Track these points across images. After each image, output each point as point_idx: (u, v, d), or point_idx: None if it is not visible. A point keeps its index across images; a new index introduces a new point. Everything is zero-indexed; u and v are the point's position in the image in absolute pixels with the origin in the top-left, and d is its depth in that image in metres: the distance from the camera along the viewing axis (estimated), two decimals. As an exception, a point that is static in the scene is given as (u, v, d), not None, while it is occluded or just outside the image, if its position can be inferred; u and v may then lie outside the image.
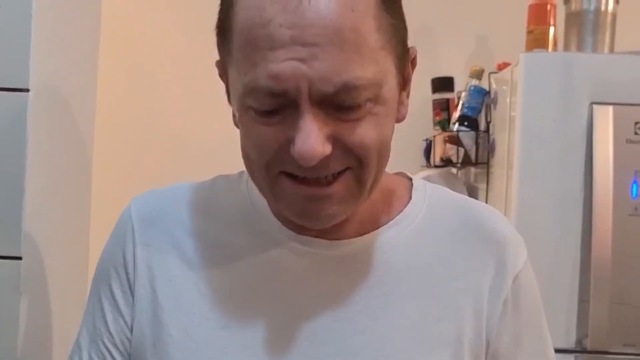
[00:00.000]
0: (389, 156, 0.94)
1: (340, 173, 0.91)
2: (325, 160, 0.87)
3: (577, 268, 2.01)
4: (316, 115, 0.85)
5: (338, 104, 0.86)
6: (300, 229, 1.00)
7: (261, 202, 1.03)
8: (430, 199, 1.06)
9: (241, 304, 1.00)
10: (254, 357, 0.99)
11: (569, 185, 2.03)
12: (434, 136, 2.52)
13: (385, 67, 0.89)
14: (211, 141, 2.56)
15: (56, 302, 1.46)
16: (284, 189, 0.92)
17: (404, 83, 0.96)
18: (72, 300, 1.54)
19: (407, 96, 0.98)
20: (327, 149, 0.86)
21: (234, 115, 0.97)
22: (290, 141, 0.87)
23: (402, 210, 1.05)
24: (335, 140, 0.87)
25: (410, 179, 1.09)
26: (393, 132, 0.95)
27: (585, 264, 2.00)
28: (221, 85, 0.98)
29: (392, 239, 1.03)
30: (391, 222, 1.04)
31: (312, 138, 0.85)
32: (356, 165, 0.90)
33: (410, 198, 1.06)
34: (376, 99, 0.88)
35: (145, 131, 2.65)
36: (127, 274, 1.02)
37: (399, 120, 0.97)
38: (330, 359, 0.98)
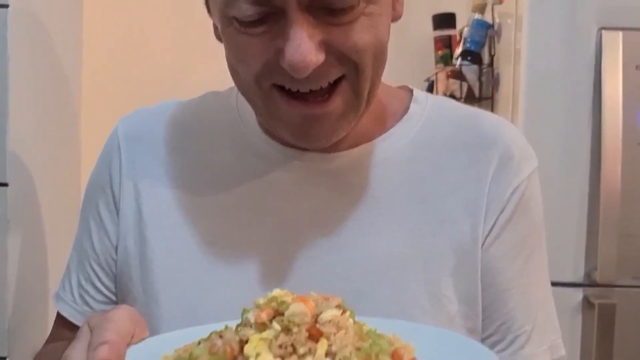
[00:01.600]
0: (385, 61, 0.88)
1: (335, 85, 0.85)
2: (319, 69, 0.81)
3: (585, 200, 1.92)
4: (306, 21, 0.79)
5: (328, 7, 0.80)
6: (289, 143, 0.95)
7: (250, 116, 0.99)
8: (430, 111, 1.00)
9: (228, 221, 0.96)
10: (240, 273, 0.95)
11: (576, 116, 1.93)
12: (436, 73, 2.44)
13: None
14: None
15: (48, 229, 1.40)
16: (279, 107, 0.87)
17: None
18: (64, 226, 1.46)
19: None
20: (320, 57, 0.80)
21: (215, 28, 0.91)
22: (279, 52, 0.81)
23: (398, 122, 0.99)
24: (328, 46, 0.81)
25: (412, 91, 1.03)
26: (389, 33, 0.87)
27: (593, 196, 1.91)
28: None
29: (386, 152, 0.97)
30: (385, 134, 0.98)
31: (303, 47, 0.78)
32: (352, 73, 0.84)
33: (408, 110, 1.00)
34: None
35: (134, 55, 2.60)
36: (112, 192, 1.00)
37: (395, 18, 0.90)
38: (320, 274, 0.94)
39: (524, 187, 0.96)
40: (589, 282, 1.94)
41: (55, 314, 1.07)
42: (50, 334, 1.08)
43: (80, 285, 1.02)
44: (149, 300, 0.97)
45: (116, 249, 0.99)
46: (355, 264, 0.93)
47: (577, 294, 1.93)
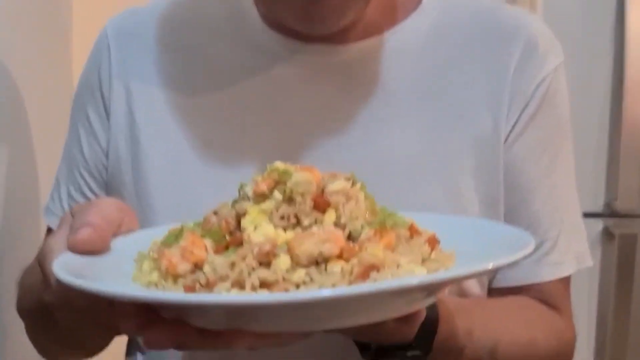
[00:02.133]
0: None
1: None
2: None
3: (605, 127, 1.82)
4: None
5: None
6: (293, 35, 0.88)
7: (250, 7, 0.91)
8: (446, 1, 0.92)
9: (226, 121, 0.89)
10: (239, 176, 0.85)
11: (598, 33, 1.81)
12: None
13: None
14: None
15: (37, 140, 1.31)
16: None
17: None
18: (54, 137, 1.37)
19: None
20: None
21: None
22: None
23: (410, 14, 0.91)
24: None
25: None
26: None
27: (615, 122, 1.80)
28: None
29: (399, 44, 0.90)
30: (397, 26, 0.90)
31: None
32: None
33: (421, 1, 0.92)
34: None
35: None
36: (102, 94, 0.93)
37: None
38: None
39: (549, 81, 0.89)
40: (609, 213, 1.86)
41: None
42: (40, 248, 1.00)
43: (70, 196, 0.95)
44: (143, 205, 0.90)
45: (107, 154, 0.93)
46: (366, 164, 0.85)
47: (597, 225, 1.86)
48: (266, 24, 0.90)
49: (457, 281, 0.51)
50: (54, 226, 0.95)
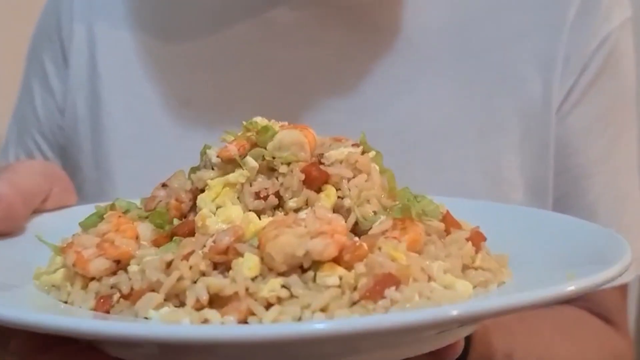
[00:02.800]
0: None
1: None
2: None
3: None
4: None
5: None
6: None
7: None
8: None
9: (210, 75, 0.74)
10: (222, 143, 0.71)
11: None
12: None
13: None
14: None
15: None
16: None
17: None
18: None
19: None
20: None
21: None
22: None
23: None
24: None
25: None
26: None
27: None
28: None
29: None
30: None
31: None
32: None
33: None
34: None
35: None
36: (61, 40, 0.79)
37: None
38: None
39: (613, 40, 0.73)
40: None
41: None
42: None
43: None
44: (101, 176, 0.75)
45: (63, 112, 0.79)
46: (382, 133, 0.70)
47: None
48: None
49: (517, 311, 0.32)
50: None
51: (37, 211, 0.52)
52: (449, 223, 0.42)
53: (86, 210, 0.51)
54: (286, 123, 0.45)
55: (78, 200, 0.69)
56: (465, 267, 0.40)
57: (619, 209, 0.75)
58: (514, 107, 0.72)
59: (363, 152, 0.44)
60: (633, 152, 0.77)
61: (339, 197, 0.41)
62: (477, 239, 0.43)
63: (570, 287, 0.32)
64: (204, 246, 0.36)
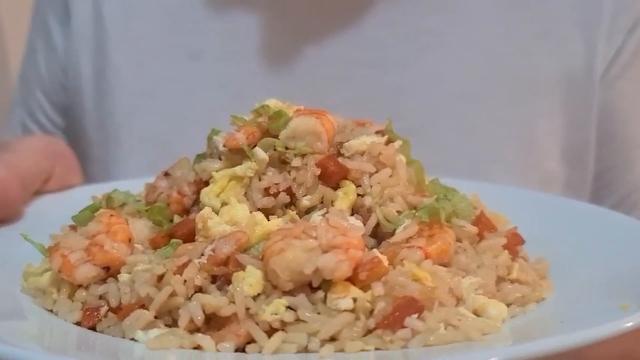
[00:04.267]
0: None
1: None
2: None
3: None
4: None
5: None
6: None
7: None
8: None
9: (217, 22, 0.69)
10: (233, 94, 0.67)
11: None
12: None
13: None
14: None
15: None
16: None
17: None
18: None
19: None
20: None
21: None
22: None
23: None
24: None
25: None
26: None
27: None
28: None
29: None
30: None
31: None
32: None
33: None
34: None
35: None
36: None
37: None
38: (356, 104, 0.65)
39: None
40: None
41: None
42: None
43: (23, 125, 0.78)
44: (106, 138, 0.71)
45: (66, 71, 0.74)
46: (405, 89, 0.66)
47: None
48: None
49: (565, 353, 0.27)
50: None
51: (38, 192, 0.48)
52: (484, 225, 0.37)
53: (90, 192, 0.47)
54: (301, 107, 0.39)
55: (85, 165, 0.65)
56: (500, 279, 0.34)
57: None
58: (553, 68, 0.66)
59: (388, 142, 0.39)
60: None
61: (359, 194, 0.36)
62: (514, 242, 0.38)
63: (628, 324, 0.27)
64: (202, 255, 0.31)
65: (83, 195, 0.47)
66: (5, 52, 1.06)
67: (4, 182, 0.44)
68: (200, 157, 0.40)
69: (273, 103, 0.40)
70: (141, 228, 0.36)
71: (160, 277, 0.31)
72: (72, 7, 0.73)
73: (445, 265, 0.33)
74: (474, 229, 0.36)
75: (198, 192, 0.38)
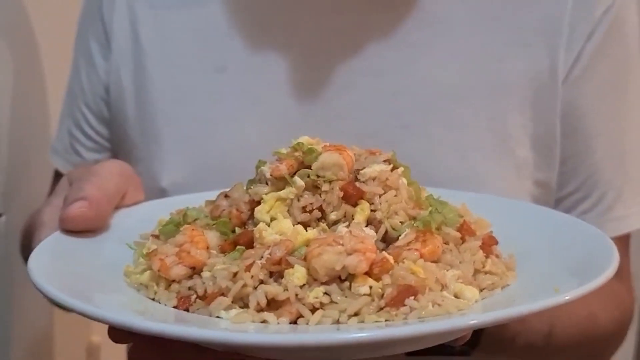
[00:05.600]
0: None
1: None
2: None
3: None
4: None
5: None
6: None
7: None
8: None
9: (242, 43, 0.78)
10: (255, 106, 0.77)
11: None
12: None
13: None
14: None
15: (49, 72, 1.20)
16: None
17: None
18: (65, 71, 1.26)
19: None
20: None
21: None
22: None
23: None
24: None
25: None
26: None
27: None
28: None
29: None
30: None
31: None
32: None
33: None
34: None
35: None
36: (103, 20, 0.84)
37: None
38: (356, 105, 0.76)
39: (617, 7, 0.75)
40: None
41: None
42: (47, 194, 0.92)
43: (70, 133, 0.87)
44: (149, 140, 0.80)
45: (107, 88, 0.84)
46: (401, 93, 0.75)
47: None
48: None
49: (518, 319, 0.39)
50: (59, 166, 0.89)
51: (116, 207, 0.58)
52: (465, 231, 0.49)
53: (155, 206, 0.60)
54: (327, 144, 0.52)
55: (130, 164, 0.75)
56: (476, 272, 0.47)
57: (625, 165, 0.78)
58: (521, 71, 0.75)
59: (393, 169, 0.51)
60: (634, 108, 0.79)
61: (372, 210, 0.48)
62: (489, 243, 0.50)
63: (563, 298, 0.39)
64: (262, 257, 0.44)
65: (150, 208, 0.59)
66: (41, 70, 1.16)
67: (97, 201, 0.54)
68: (251, 182, 0.52)
69: (305, 140, 0.52)
70: (212, 237, 0.48)
71: (235, 274, 0.43)
72: (112, 32, 0.82)
73: (434, 262, 0.45)
74: (457, 234, 0.49)
75: (252, 210, 0.50)
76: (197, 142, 0.78)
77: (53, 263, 0.48)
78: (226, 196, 0.52)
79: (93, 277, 0.48)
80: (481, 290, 0.45)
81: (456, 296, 0.43)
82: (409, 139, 0.73)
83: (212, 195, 0.54)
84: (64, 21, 1.12)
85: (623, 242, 0.79)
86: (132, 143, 0.81)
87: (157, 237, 0.51)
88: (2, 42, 1.01)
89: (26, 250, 0.85)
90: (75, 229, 0.53)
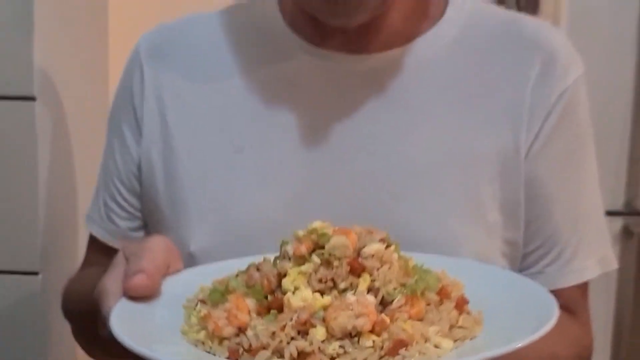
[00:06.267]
0: None
1: None
2: None
3: (627, 123, 1.80)
4: None
5: None
6: (319, 42, 0.90)
7: (277, 16, 0.93)
8: (469, 14, 0.92)
9: (256, 124, 0.90)
10: (268, 179, 0.89)
11: (622, 30, 1.78)
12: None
13: None
14: None
15: (76, 146, 1.34)
16: None
17: None
18: (91, 143, 1.39)
19: None
20: None
21: None
22: None
23: (435, 24, 0.91)
24: None
25: None
26: None
27: (637, 118, 1.79)
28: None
29: (423, 54, 0.90)
30: (420, 37, 0.90)
31: None
32: None
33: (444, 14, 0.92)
34: None
35: None
36: (134, 108, 0.95)
37: None
38: (354, 179, 0.87)
39: (570, 93, 0.88)
40: (629, 211, 1.85)
41: (85, 234, 1.03)
42: (84, 257, 1.04)
43: (105, 204, 0.99)
44: (177, 212, 0.91)
45: (139, 166, 0.95)
46: (391, 167, 0.87)
47: (617, 223, 1.84)
48: (292, 30, 0.91)
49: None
50: (95, 232, 1.00)
51: (163, 277, 0.69)
52: (443, 294, 0.64)
53: (194, 274, 0.72)
54: (336, 228, 0.67)
55: (162, 232, 0.86)
56: (451, 326, 0.61)
57: (580, 225, 0.89)
58: (490, 148, 0.86)
59: (387, 246, 0.67)
60: (593, 175, 0.92)
61: (372, 280, 0.63)
62: (460, 304, 0.65)
63: (515, 345, 0.55)
64: (292, 319, 0.59)
65: (190, 277, 0.72)
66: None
67: (153, 273, 0.66)
68: (277, 258, 0.67)
69: (319, 225, 0.67)
70: (250, 303, 0.64)
71: (272, 332, 0.58)
72: (143, 120, 0.93)
73: (420, 320, 0.60)
74: (437, 297, 0.64)
75: (279, 280, 0.65)
76: (219, 214, 0.89)
77: (125, 322, 0.62)
78: (257, 269, 0.67)
79: (155, 333, 0.63)
80: (455, 341, 0.60)
81: (436, 346, 0.58)
82: (397, 207, 0.85)
83: (240, 263, 0.69)
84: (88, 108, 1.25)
85: (582, 289, 0.91)
86: (161, 213, 0.93)
87: (204, 302, 0.66)
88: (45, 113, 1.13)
89: (70, 307, 0.97)
90: (136, 296, 0.66)
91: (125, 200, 0.97)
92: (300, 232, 0.67)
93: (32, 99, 1.15)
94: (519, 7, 1.92)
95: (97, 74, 1.60)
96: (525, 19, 0.92)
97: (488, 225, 0.87)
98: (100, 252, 0.99)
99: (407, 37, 0.90)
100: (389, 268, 0.64)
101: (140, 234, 0.99)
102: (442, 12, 0.92)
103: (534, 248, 0.90)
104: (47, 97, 1.21)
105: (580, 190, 0.91)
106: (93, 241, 1.02)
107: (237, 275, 0.68)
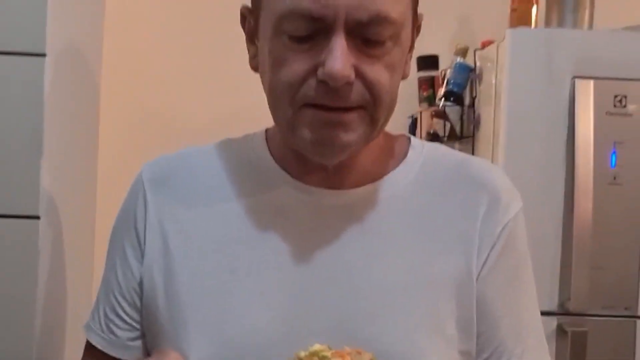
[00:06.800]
0: (394, 105, 0.96)
1: (355, 110, 0.92)
2: (347, 88, 0.89)
3: (559, 235, 2.00)
4: (345, 42, 0.88)
5: (364, 37, 0.89)
6: (302, 177, 1.02)
7: (265, 152, 1.05)
8: (426, 156, 1.07)
9: (247, 248, 1.00)
10: (260, 300, 0.98)
11: (552, 157, 2.01)
12: (420, 112, 2.50)
13: (407, 13, 0.93)
14: (213, 119, 2.53)
15: (69, 261, 1.43)
16: (305, 118, 0.92)
17: (410, 44, 0.98)
18: (82, 259, 1.49)
19: (410, 58, 1.00)
20: (352, 74, 0.89)
21: (251, 57, 0.99)
22: (318, 66, 0.89)
23: (398, 165, 1.06)
24: (357, 72, 0.89)
25: (409, 138, 1.10)
26: (398, 87, 0.95)
27: (567, 231, 1.98)
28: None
29: (392, 189, 1.03)
30: (389, 175, 1.04)
31: (342, 58, 0.87)
32: (370, 104, 0.92)
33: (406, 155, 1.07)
34: (396, 39, 0.91)
35: (151, 103, 2.56)
36: (137, 231, 1.03)
37: (404, 76, 0.99)
38: (336, 300, 0.98)
39: (512, 225, 1.03)
40: (562, 311, 2.01)
41: (72, 336, 1.14)
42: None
43: (106, 316, 1.06)
44: (177, 326, 0.99)
45: (140, 283, 1.03)
46: (366, 290, 0.98)
47: (552, 322, 2.00)
48: (280, 167, 1.04)
49: None
50: (94, 342, 1.08)
51: None
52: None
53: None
54: (334, 350, 0.77)
55: (160, 342, 0.96)
56: None
57: (524, 337, 1.02)
58: (447, 272, 0.99)
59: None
60: (532, 293, 1.06)
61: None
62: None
63: None
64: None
65: None
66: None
67: None
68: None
69: (318, 347, 0.79)
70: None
71: None
72: (145, 242, 1.02)
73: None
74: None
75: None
76: (216, 328, 0.98)
77: None
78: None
79: None
80: None
81: None
82: (372, 323, 0.98)
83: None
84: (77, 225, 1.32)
85: None
86: (161, 326, 1.01)
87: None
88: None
89: None
90: None
91: (125, 313, 1.05)
92: (302, 353, 0.78)
93: (36, 217, 1.25)
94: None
95: (88, 196, 1.71)
96: (472, 161, 1.10)
97: (447, 338, 1.00)
98: (96, 356, 1.08)
99: (376, 175, 1.05)
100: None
101: (138, 343, 1.07)
102: (405, 153, 1.08)
103: (486, 357, 1.03)
104: (51, 216, 1.31)
105: (521, 308, 1.04)
106: (91, 347, 1.09)
107: None
